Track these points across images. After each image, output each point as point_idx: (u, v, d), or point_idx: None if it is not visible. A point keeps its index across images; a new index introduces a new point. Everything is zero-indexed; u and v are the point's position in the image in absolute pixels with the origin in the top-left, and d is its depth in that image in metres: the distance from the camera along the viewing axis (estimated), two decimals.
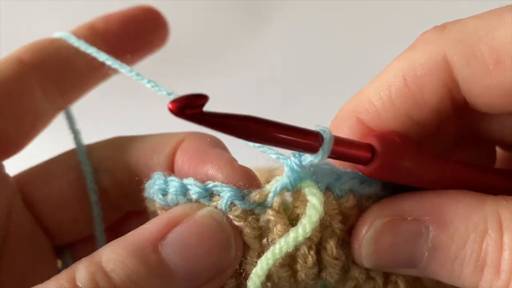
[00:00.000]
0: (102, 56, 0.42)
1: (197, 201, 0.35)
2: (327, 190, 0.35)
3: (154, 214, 0.38)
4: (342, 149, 0.33)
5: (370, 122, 0.37)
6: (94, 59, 0.43)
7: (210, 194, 0.35)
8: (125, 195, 0.45)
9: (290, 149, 0.32)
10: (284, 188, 0.34)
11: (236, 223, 0.34)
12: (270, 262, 0.33)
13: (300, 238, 0.32)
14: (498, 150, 0.45)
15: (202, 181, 0.36)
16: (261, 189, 0.35)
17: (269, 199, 0.34)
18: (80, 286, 0.30)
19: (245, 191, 0.35)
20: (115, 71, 0.44)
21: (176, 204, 0.36)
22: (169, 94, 0.39)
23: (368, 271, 0.38)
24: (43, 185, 0.44)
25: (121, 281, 0.31)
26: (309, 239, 0.34)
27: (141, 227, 0.34)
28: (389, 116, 0.36)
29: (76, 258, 0.45)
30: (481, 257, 0.33)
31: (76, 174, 0.44)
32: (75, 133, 0.47)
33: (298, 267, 0.36)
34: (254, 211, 0.34)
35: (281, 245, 0.32)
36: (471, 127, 0.41)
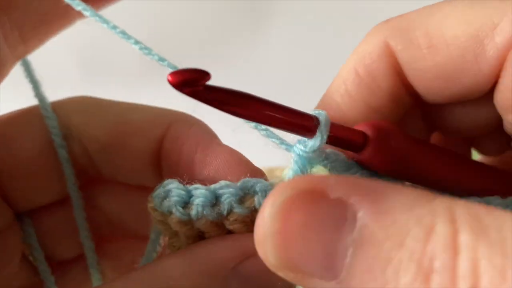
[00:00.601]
0: None
1: (230, 209, 0.31)
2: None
3: (169, 230, 0.34)
4: (336, 134, 0.33)
5: (334, 117, 0.37)
6: (57, 2, 0.36)
7: (241, 198, 0.32)
8: (92, 165, 0.42)
9: (288, 130, 0.31)
10: (296, 175, 0.33)
11: None
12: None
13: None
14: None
15: (209, 179, 0.34)
16: (281, 178, 0.34)
17: None
18: None
19: (269, 182, 0.33)
20: (79, 16, 0.39)
21: (202, 217, 0.31)
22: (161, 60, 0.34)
23: None
24: (3, 149, 0.40)
25: None
26: None
27: (211, 247, 0.31)
28: (349, 107, 0.37)
29: (37, 225, 0.43)
30: (426, 260, 0.22)
31: (40, 135, 0.40)
32: (36, 86, 0.42)
33: None
34: None
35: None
36: (431, 119, 0.42)
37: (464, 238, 0.22)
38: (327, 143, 0.33)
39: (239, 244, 0.31)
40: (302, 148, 0.32)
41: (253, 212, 0.31)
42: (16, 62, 0.41)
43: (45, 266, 0.43)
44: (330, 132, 0.32)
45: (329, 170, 0.34)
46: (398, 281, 0.22)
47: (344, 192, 0.23)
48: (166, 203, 0.31)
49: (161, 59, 0.32)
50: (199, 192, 0.31)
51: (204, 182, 0.32)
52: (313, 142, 0.32)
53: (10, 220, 0.41)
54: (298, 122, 0.31)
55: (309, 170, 0.33)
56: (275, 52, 1.03)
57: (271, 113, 0.30)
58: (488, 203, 0.35)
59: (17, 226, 0.42)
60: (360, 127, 0.35)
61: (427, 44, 0.35)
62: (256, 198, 0.31)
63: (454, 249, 0.22)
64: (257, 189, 0.32)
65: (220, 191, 0.31)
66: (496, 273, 0.21)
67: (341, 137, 0.34)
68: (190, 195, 0.31)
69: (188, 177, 0.33)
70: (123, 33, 0.33)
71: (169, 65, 0.32)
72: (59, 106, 0.41)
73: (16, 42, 0.39)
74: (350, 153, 0.35)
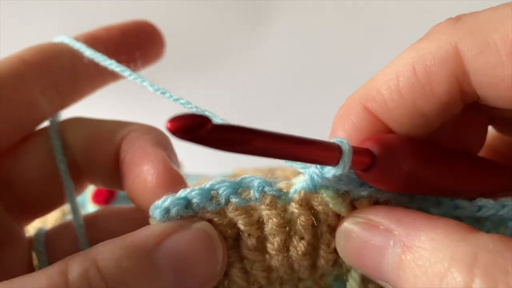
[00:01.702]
0: (106, 61, 0.43)
1: (227, 200, 0.35)
2: (345, 193, 0.36)
3: None
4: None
5: (377, 110, 0.36)
6: (93, 65, 0.44)
7: (237, 191, 0.35)
8: (82, 173, 0.46)
9: (309, 162, 0.32)
10: (304, 190, 0.35)
11: (267, 211, 0.35)
12: None
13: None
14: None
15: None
16: (288, 180, 0.36)
17: (291, 193, 0.36)
18: (71, 280, 0.31)
19: (272, 180, 0.36)
20: (114, 78, 0.46)
21: (204, 209, 0.36)
22: (175, 99, 0.39)
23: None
24: (13, 161, 0.44)
25: (112, 280, 0.32)
26: (328, 226, 0.37)
27: (139, 231, 0.35)
28: (395, 105, 0.35)
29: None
30: None
31: (45, 149, 0.45)
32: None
33: (321, 252, 0.37)
34: (282, 200, 0.36)
35: None
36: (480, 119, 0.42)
37: (478, 284, 0.27)
38: None
39: (161, 226, 0.35)
40: (318, 172, 0.34)
41: (251, 203, 0.36)
42: (55, 113, 0.47)
43: None
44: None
45: (334, 191, 0.35)
46: None
47: (390, 225, 0.33)
48: (172, 213, 0.35)
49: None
50: (194, 193, 0.35)
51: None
52: (334, 171, 0.33)
53: (19, 229, 0.45)
54: (320, 155, 0.31)
55: (318, 190, 0.35)
56: (276, 52, 1.03)
57: (290, 151, 0.30)
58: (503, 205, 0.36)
59: (24, 235, 0.46)
60: (366, 144, 0.34)
61: (508, 50, 0.32)
62: (252, 191, 0.35)
63: None
64: (254, 184, 0.35)
65: (216, 186, 0.35)
66: None
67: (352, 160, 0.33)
68: (187, 199, 0.35)
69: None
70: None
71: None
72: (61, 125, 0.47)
73: (53, 96, 0.45)
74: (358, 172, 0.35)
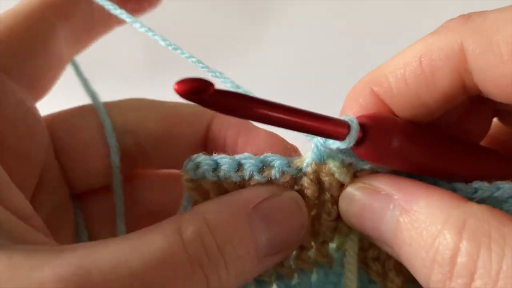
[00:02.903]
0: (109, 5, 0.43)
1: (251, 175, 0.38)
2: (349, 165, 0.38)
3: (203, 192, 0.40)
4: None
5: (383, 95, 0.39)
6: (100, 9, 0.44)
7: (261, 168, 0.38)
8: (144, 155, 0.49)
9: (318, 135, 0.34)
10: (314, 161, 0.38)
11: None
12: None
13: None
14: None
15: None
16: (300, 157, 0.39)
17: (303, 168, 0.39)
18: (186, 239, 0.33)
19: (289, 158, 0.39)
20: (118, 23, 0.48)
21: (228, 178, 0.39)
22: (188, 57, 0.40)
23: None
24: (68, 137, 0.47)
25: (221, 238, 0.34)
26: (331, 196, 0.40)
27: (236, 192, 0.38)
28: (400, 92, 0.38)
29: (86, 206, 0.51)
30: (432, 251, 0.33)
31: (98, 130, 0.48)
32: (91, 93, 0.50)
33: (322, 219, 0.41)
34: (295, 176, 0.39)
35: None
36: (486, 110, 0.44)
37: (465, 245, 0.31)
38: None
39: (256, 190, 0.38)
40: (322, 142, 0.37)
41: (269, 181, 0.39)
42: (71, 58, 0.49)
43: None
44: None
45: (340, 161, 0.38)
46: (414, 261, 0.34)
47: (391, 191, 0.36)
48: (199, 171, 0.38)
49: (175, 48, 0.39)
50: (224, 160, 0.38)
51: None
52: (339, 145, 0.35)
53: (67, 197, 0.49)
54: (329, 129, 0.34)
55: (326, 159, 0.39)
56: (276, 52, 1.03)
57: (300, 122, 0.32)
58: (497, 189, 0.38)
59: (70, 205, 0.50)
60: (361, 119, 0.36)
61: (509, 51, 0.34)
62: (273, 171, 0.38)
63: (455, 251, 0.31)
64: (275, 164, 0.38)
65: (243, 161, 0.38)
66: (487, 272, 0.30)
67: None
68: (217, 163, 0.38)
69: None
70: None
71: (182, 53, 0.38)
72: (116, 106, 0.49)
73: (72, 43, 0.47)
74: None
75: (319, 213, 0.41)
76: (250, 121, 0.43)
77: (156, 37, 0.40)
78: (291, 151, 0.44)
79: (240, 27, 1.06)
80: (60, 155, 0.47)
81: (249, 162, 0.38)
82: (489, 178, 0.38)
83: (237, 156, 0.39)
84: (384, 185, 0.37)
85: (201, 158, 0.38)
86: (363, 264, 0.42)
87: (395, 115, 0.39)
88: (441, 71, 0.36)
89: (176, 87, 0.27)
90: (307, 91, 0.96)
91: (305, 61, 1.00)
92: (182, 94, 0.27)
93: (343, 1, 1.01)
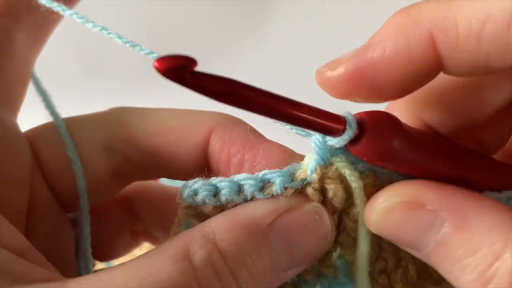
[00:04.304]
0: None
1: (252, 196, 0.36)
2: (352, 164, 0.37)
3: (205, 217, 0.37)
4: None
5: (442, 46, 0.31)
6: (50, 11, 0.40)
7: (262, 187, 0.36)
8: (136, 170, 0.45)
9: (310, 129, 0.33)
10: (319, 164, 0.36)
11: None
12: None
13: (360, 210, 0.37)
14: None
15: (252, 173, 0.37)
16: (301, 166, 0.37)
17: (308, 177, 0.36)
18: (197, 266, 0.31)
19: (290, 171, 0.37)
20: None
21: (231, 202, 0.36)
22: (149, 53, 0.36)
23: (380, 251, 0.40)
24: (51, 155, 0.43)
25: (234, 262, 0.32)
26: (333, 206, 0.37)
27: (248, 207, 0.35)
28: (466, 49, 0.31)
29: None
30: (488, 274, 0.30)
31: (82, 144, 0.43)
32: (51, 109, 0.44)
33: None
34: (299, 188, 0.37)
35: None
36: None
37: None
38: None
39: (272, 204, 0.35)
40: (320, 140, 0.35)
41: (272, 196, 0.36)
42: (34, 60, 0.44)
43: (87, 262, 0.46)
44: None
45: (346, 159, 0.36)
46: (461, 276, 0.31)
47: (438, 206, 0.32)
48: (198, 198, 0.36)
49: (149, 52, 0.33)
50: (224, 184, 0.36)
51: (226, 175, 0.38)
52: (337, 141, 0.34)
53: (63, 218, 0.45)
54: (325, 124, 0.32)
55: (330, 159, 0.36)
56: (276, 52, 1.03)
57: (295, 113, 0.31)
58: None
59: (68, 224, 0.45)
60: (358, 116, 0.34)
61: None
62: (273, 187, 0.36)
63: None
64: (276, 182, 0.36)
65: (242, 182, 0.36)
66: None
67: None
68: (216, 188, 0.36)
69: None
70: (104, 29, 0.35)
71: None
72: (100, 118, 0.44)
73: (31, 43, 0.42)
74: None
75: None
76: (256, 134, 0.40)
77: (90, 25, 0.35)
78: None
79: (240, 27, 1.06)
80: (45, 174, 0.43)
81: (248, 183, 0.36)
82: (499, 187, 0.37)
83: (236, 178, 0.36)
84: (428, 197, 0.33)
85: (198, 184, 0.36)
86: (370, 277, 0.40)
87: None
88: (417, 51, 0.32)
89: (156, 64, 0.26)
90: (307, 91, 0.96)
91: (305, 61, 1.00)
92: (162, 72, 0.26)
93: (343, 1, 1.01)
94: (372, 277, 0.41)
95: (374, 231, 0.36)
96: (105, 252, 0.51)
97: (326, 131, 0.33)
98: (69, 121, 0.43)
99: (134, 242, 0.52)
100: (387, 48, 0.33)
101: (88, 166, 0.42)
